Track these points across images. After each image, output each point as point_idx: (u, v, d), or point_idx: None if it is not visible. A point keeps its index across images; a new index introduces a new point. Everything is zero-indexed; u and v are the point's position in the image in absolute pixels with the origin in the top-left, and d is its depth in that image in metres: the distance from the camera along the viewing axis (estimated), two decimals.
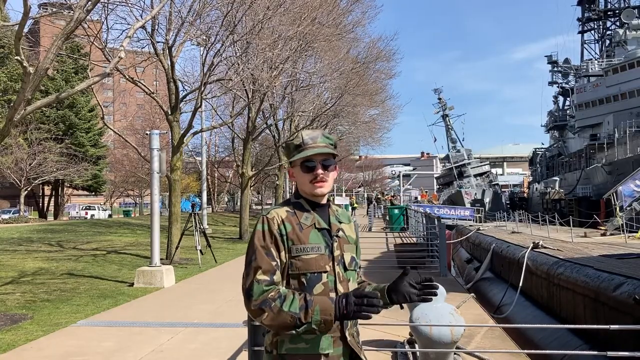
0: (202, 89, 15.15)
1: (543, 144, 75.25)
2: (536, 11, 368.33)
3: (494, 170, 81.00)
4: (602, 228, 21.66)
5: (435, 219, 13.96)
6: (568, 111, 60.05)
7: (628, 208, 22.34)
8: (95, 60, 16.25)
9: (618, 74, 44.13)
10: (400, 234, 23.61)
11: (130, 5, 13.35)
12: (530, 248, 13.62)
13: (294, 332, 2.00)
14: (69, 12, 9.30)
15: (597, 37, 65.48)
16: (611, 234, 19.68)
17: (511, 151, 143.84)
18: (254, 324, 3.68)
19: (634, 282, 8.11)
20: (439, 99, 72.07)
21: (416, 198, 76.15)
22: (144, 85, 15.50)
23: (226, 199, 67.62)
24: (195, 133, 17.48)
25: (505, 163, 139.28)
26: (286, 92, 22.43)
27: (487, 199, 57.34)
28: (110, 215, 56.54)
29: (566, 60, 61.96)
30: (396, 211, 26.73)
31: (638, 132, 37.04)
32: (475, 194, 58.70)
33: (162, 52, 14.81)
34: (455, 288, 10.14)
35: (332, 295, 2.09)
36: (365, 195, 75.27)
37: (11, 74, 32.13)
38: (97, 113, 44.91)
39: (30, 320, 7.84)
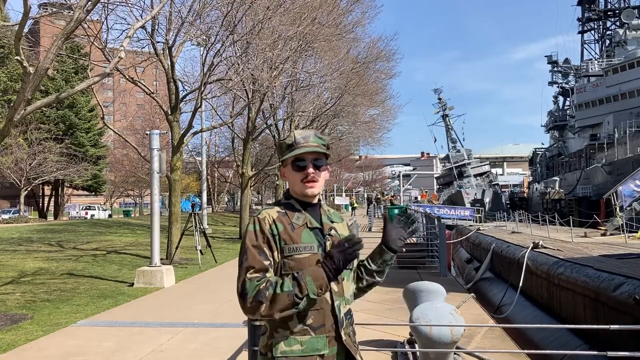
0: (202, 89, 15.15)
1: (543, 144, 75.28)
2: (536, 11, 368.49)
3: (494, 170, 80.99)
4: (602, 228, 21.65)
5: (435, 219, 13.97)
6: (568, 111, 60.02)
7: (628, 208, 22.32)
8: (95, 60, 16.26)
9: (618, 74, 44.10)
10: None
11: (130, 5, 13.36)
12: (530, 248, 13.62)
13: (296, 309, 2.00)
14: (69, 12, 9.30)
15: (597, 37, 65.47)
16: (611, 234, 19.68)
17: (511, 151, 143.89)
18: (254, 323, 3.68)
19: (634, 282, 8.11)
20: (439, 99, 72.05)
21: (416, 198, 76.22)
22: (144, 85, 15.50)
23: (226, 199, 67.59)
24: (195, 133, 17.48)
25: (505, 163, 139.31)
26: (286, 92, 22.43)
27: (487, 199, 57.29)
28: (110, 215, 56.51)
29: (566, 60, 61.94)
30: (396, 211, 26.70)
31: (638, 132, 37.01)
32: (475, 194, 58.68)
33: (162, 52, 14.81)
34: (455, 288, 10.14)
35: (326, 294, 2.10)
36: (365, 195, 75.31)
37: (11, 74, 32.11)
38: (97, 113, 44.89)
39: (30, 320, 7.84)
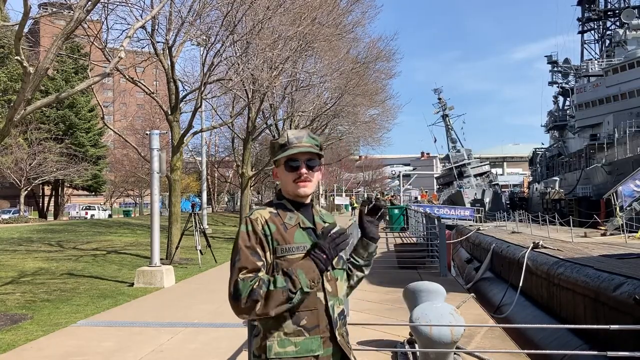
0: (202, 89, 15.15)
1: (543, 144, 75.27)
2: (536, 11, 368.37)
3: (494, 170, 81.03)
4: (602, 228, 21.65)
5: (435, 219, 13.97)
6: (568, 111, 60.02)
7: (628, 208, 22.32)
8: (95, 60, 16.25)
9: (618, 74, 44.10)
10: (400, 234, 23.63)
11: (130, 5, 13.36)
12: (530, 248, 13.62)
13: (290, 304, 2.00)
14: (69, 12, 9.30)
15: (597, 37, 65.49)
16: (611, 234, 19.68)
17: (511, 151, 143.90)
18: (254, 323, 3.68)
19: (634, 282, 8.11)
20: (439, 99, 72.11)
21: (416, 198, 76.28)
22: (144, 85, 15.50)
23: (226, 199, 67.60)
24: (195, 133, 17.48)
25: (505, 163, 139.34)
26: (286, 92, 22.42)
27: (487, 199, 57.32)
28: (110, 215, 56.51)
29: (566, 60, 61.95)
30: (396, 211, 26.73)
31: (638, 132, 37.01)
32: (475, 194, 58.69)
33: (162, 52, 14.81)
34: (455, 288, 10.14)
35: (320, 295, 2.09)
36: (365, 195, 75.26)
37: (11, 74, 32.11)
38: (97, 113, 44.90)
39: (30, 320, 7.84)
